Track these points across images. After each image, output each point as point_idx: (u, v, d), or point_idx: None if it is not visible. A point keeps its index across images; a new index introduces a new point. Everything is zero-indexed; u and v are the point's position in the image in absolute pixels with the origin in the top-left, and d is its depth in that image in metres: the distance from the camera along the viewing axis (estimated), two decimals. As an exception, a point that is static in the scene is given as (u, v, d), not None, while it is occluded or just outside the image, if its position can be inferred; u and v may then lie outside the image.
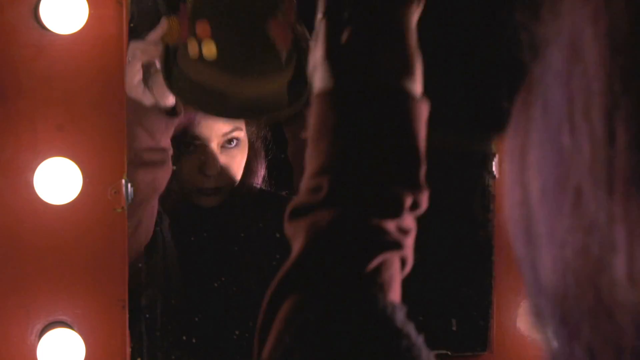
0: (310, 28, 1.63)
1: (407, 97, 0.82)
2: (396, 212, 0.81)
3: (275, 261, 1.79)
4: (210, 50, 1.49)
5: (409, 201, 0.82)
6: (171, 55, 1.52)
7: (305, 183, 0.83)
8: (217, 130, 1.75)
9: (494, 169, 1.75)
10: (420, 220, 0.85)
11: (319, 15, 0.85)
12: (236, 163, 1.79)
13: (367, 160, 0.82)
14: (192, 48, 1.49)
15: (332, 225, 0.80)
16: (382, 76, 0.83)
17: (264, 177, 1.88)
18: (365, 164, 0.82)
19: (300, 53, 1.58)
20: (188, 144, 1.74)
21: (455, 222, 1.80)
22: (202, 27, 1.49)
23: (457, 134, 0.79)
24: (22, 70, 1.48)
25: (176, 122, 1.66)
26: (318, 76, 0.84)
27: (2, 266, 1.49)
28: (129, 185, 1.53)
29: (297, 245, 0.81)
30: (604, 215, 0.45)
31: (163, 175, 1.67)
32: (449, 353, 1.76)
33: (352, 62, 0.83)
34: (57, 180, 1.48)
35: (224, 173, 1.77)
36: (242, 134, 1.79)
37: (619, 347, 0.46)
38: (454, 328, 1.82)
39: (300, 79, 1.58)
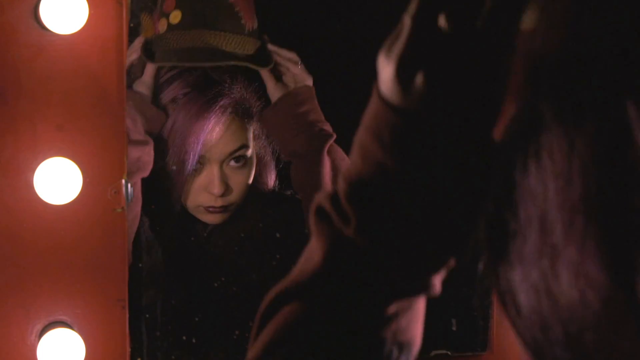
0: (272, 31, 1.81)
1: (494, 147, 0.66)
2: (435, 270, 0.70)
3: (275, 261, 1.78)
4: (175, 17, 1.69)
5: (452, 263, 0.70)
6: (149, 45, 1.73)
7: (338, 188, 0.70)
8: (223, 149, 1.75)
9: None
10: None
11: (406, 19, 0.67)
12: (243, 182, 1.79)
13: (418, 206, 0.68)
14: (162, 25, 1.70)
15: (356, 254, 0.69)
16: (472, 110, 0.67)
17: (274, 184, 1.87)
18: (412, 211, 0.68)
19: (266, 48, 1.77)
20: (195, 163, 1.75)
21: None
22: (169, 3, 1.70)
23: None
24: (22, 70, 1.48)
25: (157, 121, 1.73)
26: (385, 78, 0.68)
27: (2, 266, 1.49)
28: (129, 185, 1.53)
29: (315, 245, 0.71)
30: (565, 238, 0.53)
31: (147, 159, 1.70)
32: (449, 353, 1.76)
33: (436, 84, 0.66)
34: (57, 180, 1.48)
35: (230, 192, 1.77)
36: (249, 152, 1.79)
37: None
38: (454, 328, 1.82)
39: (263, 61, 1.78)
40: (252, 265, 1.80)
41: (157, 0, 1.75)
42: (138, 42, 1.74)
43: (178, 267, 1.79)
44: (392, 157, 0.67)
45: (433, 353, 1.76)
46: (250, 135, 1.80)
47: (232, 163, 1.77)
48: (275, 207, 1.84)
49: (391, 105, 0.67)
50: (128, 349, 1.54)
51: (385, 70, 0.68)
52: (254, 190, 1.84)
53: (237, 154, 1.77)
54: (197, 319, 1.77)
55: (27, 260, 1.49)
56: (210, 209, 1.77)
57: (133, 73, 1.73)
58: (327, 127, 1.81)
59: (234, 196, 1.78)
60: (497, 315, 1.77)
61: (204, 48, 1.72)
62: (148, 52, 1.74)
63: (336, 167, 1.79)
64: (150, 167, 1.71)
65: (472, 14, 0.65)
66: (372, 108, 0.69)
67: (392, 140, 0.67)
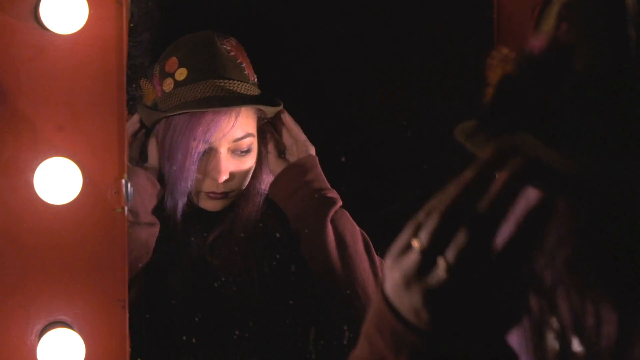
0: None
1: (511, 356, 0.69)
2: None
3: (275, 261, 1.78)
4: (181, 74, 1.75)
5: None
6: (155, 106, 1.78)
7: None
8: (228, 137, 1.76)
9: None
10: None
11: (415, 244, 0.68)
12: (245, 170, 1.80)
13: None
14: (167, 84, 1.76)
15: None
16: (486, 326, 0.68)
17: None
18: None
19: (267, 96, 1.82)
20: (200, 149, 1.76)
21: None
22: (171, 64, 1.76)
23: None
24: (22, 70, 1.48)
25: (159, 194, 1.75)
26: (391, 285, 0.70)
27: (2, 266, 1.49)
28: (129, 185, 1.53)
29: None
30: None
31: (152, 242, 1.72)
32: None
33: (445, 307, 0.67)
34: (57, 180, 1.48)
35: (232, 179, 1.78)
36: (253, 141, 1.80)
37: None
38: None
39: (272, 103, 1.82)
40: (252, 265, 1.80)
41: (154, 66, 1.80)
42: (136, 116, 1.79)
43: (178, 267, 1.79)
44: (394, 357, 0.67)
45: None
46: (256, 124, 1.81)
47: (236, 151, 1.78)
48: (275, 207, 1.84)
49: (394, 310, 0.68)
50: (128, 349, 1.54)
51: (390, 277, 0.69)
52: (255, 190, 1.84)
53: (241, 141, 1.78)
54: (197, 319, 1.77)
55: (27, 260, 1.49)
56: (211, 195, 1.78)
57: (134, 147, 1.78)
58: (333, 194, 1.80)
59: (235, 183, 1.79)
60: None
61: (217, 96, 1.74)
62: (157, 110, 1.77)
63: (340, 236, 1.78)
64: (152, 249, 1.72)
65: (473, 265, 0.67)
66: (376, 303, 0.70)
67: (394, 343, 0.67)
